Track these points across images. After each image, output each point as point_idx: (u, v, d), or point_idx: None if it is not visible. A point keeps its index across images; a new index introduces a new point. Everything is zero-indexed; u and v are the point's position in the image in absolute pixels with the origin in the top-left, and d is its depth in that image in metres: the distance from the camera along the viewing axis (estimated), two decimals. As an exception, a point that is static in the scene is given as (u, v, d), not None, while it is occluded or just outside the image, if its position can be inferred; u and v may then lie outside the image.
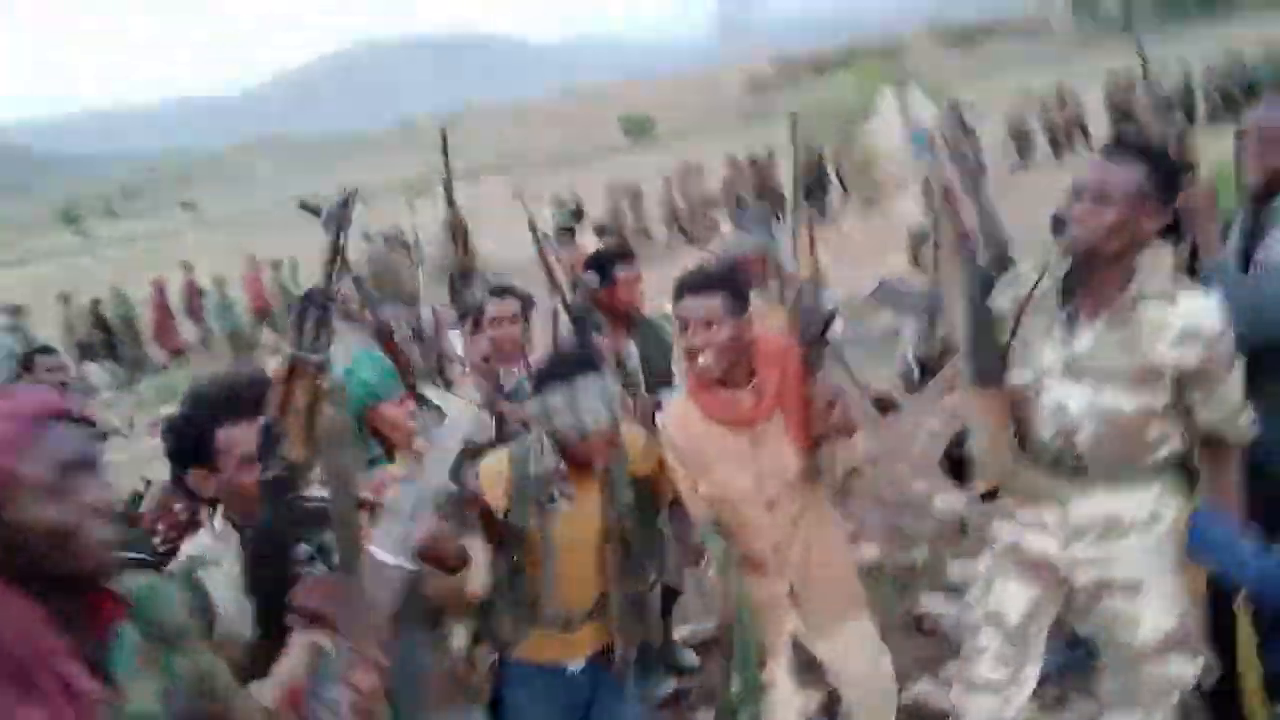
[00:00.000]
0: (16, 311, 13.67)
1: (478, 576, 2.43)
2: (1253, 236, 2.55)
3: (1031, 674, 2.48)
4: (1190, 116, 19.17)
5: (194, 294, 17.99)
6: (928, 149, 2.44)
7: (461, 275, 4.49)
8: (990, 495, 2.67)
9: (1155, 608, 2.29)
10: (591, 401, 2.46)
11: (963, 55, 54.31)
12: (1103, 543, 2.29)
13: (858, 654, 2.73)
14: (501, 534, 2.54)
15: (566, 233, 12.49)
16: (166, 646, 1.39)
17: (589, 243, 7.97)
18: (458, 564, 2.27)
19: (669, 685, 3.90)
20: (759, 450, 2.57)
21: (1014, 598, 2.43)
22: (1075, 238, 2.21)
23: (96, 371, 15.56)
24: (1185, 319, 2.17)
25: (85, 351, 16.38)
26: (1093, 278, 2.23)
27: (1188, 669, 2.31)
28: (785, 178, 17.67)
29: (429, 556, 2.05)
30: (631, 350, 3.68)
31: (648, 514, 2.72)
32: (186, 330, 17.98)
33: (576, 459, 2.54)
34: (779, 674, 2.71)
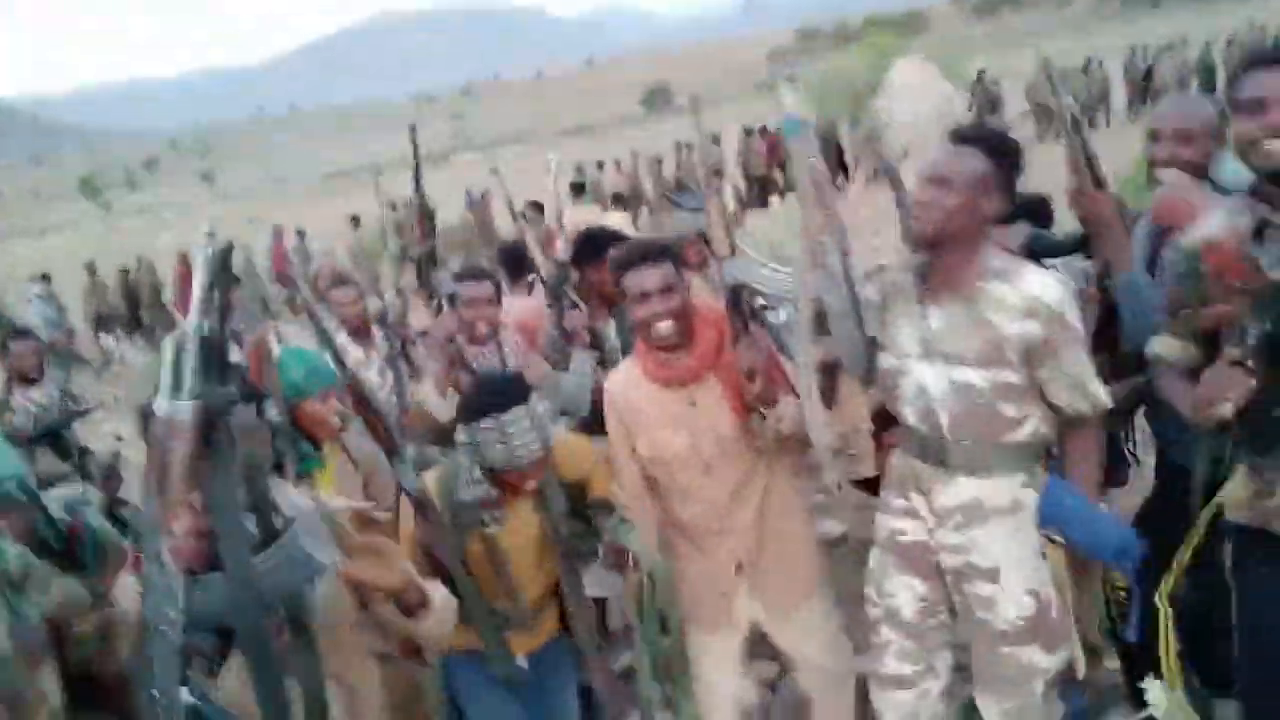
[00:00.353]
0: (47, 280, 13.88)
1: (441, 619, 2.20)
2: (1160, 237, 2.50)
3: (942, 665, 2.45)
4: (1210, 88, 18.92)
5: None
6: (801, 134, 2.44)
7: (428, 259, 4.51)
8: (867, 484, 2.67)
9: (1012, 594, 2.29)
10: (524, 434, 2.43)
11: (985, 26, 53.61)
12: (966, 528, 2.30)
13: (816, 638, 2.71)
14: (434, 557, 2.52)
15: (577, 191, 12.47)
16: (11, 590, 1.61)
17: (590, 212, 7.92)
18: (417, 602, 2.05)
19: (626, 656, 3.92)
20: (695, 411, 2.60)
21: (903, 590, 2.43)
22: (917, 222, 2.25)
23: (111, 344, 15.73)
24: (1026, 295, 2.20)
25: (103, 323, 16.55)
26: (942, 261, 2.27)
27: (1046, 660, 2.30)
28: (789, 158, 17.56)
29: (402, 602, 1.96)
30: (610, 330, 3.65)
31: (583, 513, 2.71)
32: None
33: (508, 483, 2.52)
34: (714, 662, 2.71)
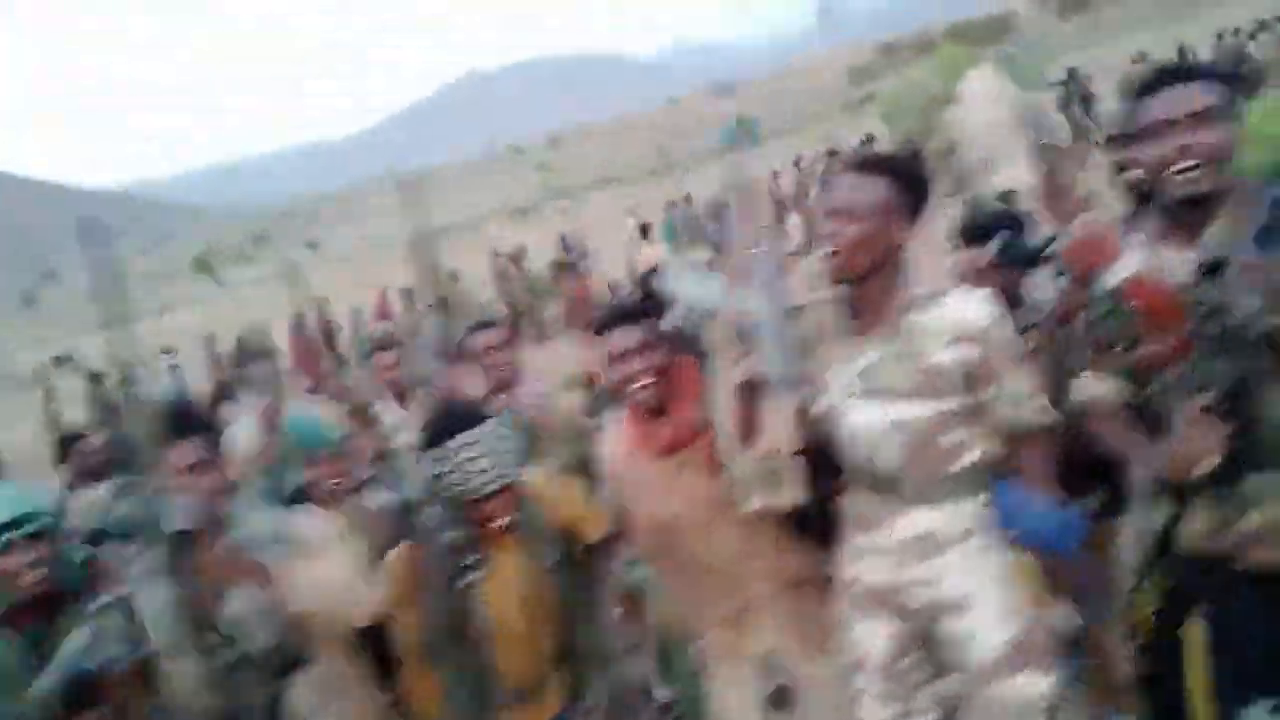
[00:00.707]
0: (173, 353, 14.71)
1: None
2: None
3: (926, 703, 2.33)
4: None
5: (328, 327, 18.87)
6: (740, 140, 2.36)
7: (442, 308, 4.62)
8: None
9: (987, 624, 2.22)
10: (479, 460, 2.35)
11: (1075, 22, 52.14)
12: (926, 562, 2.25)
13: (823, 696, 2.53)
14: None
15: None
16: None
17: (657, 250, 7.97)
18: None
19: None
20: (684, 478, 2.55)
21: (873, 635, 2.34)
22: (830, 259, 2.22)
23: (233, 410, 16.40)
24: (955, 320, 2.18)
25: (224, 391, 17.26)
26: (863, 295, 2.25)
27: (1038, 685, 2.20)
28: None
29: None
30: None
31: (582, 566, 2.61)
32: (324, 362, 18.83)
33: (478, 522, 2.43)
34: (734, 700, 2.61)
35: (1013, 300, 2.67)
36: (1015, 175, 16.84)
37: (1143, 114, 1.98)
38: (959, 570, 2.24)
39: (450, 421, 2.43)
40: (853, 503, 2.39)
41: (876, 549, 2.33)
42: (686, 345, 2.69)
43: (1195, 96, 1.92)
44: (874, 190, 2.18)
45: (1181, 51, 20.73)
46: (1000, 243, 2.75)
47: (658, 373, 2.52)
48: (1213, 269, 1.87)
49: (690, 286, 2.70)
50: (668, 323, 2.97)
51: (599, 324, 2.63)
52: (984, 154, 17.04)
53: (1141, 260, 2.03)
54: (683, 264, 2.92)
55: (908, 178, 2.24)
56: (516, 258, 17.84)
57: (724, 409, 2.43)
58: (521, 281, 17.70)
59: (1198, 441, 1.89)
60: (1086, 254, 2.43)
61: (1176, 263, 1.98)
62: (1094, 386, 2.16)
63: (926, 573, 2.26)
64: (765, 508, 2.43)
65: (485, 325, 3.71)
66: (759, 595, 2.57)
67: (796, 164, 19.83)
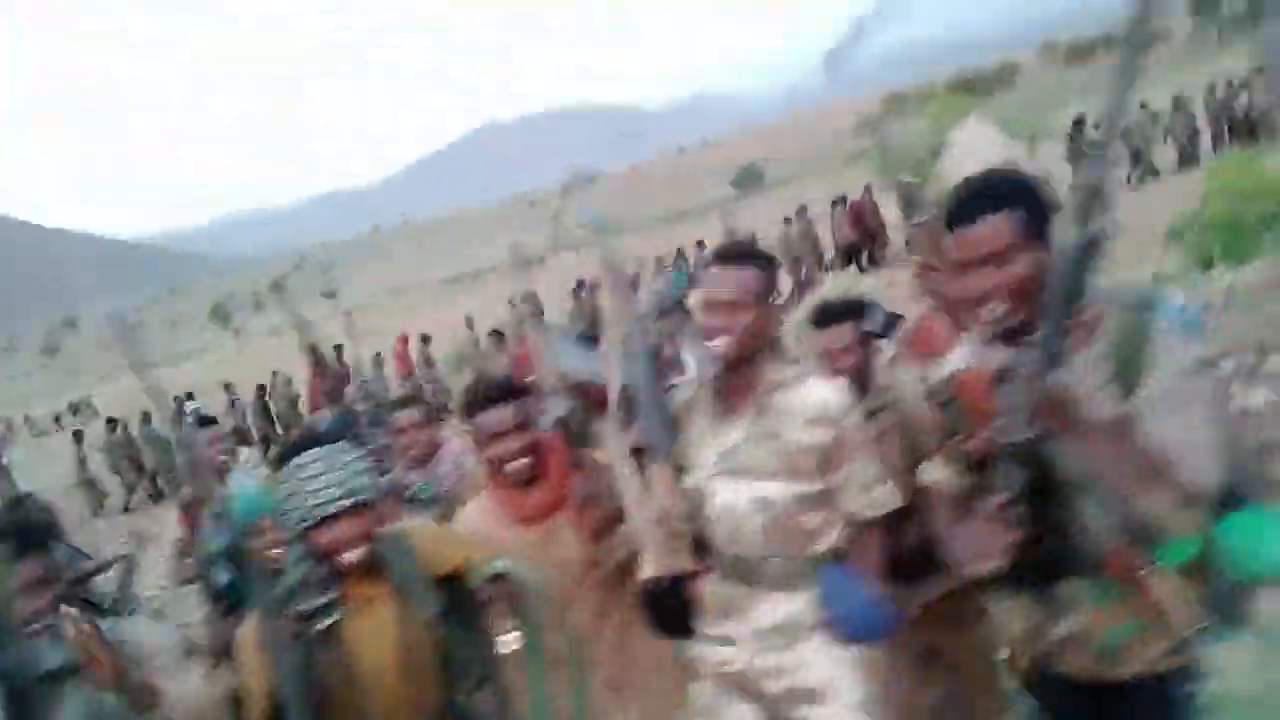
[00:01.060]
0: (192, 398, 15.18)
1: None
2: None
3: None
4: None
5: (345, 374, 19.14)
6: (601, 230, 2.50)
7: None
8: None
9: (845, 712, 2.22)
10: (321, 479, 2.13)
11: (1080, 71, 52.74)
12: (784, 650, 2.26)
13: None
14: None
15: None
16: None
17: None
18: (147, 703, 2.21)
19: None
20: (551, 545, 2.61)
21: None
22: (721, 348, 2.23)
23: (255, 456, 16.72)
24: (813, 403, 2.22)
25: (241, 438, 17.63)
26: (734, 377, 2.29)
27: None
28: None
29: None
30: None
31: (466, 615, 2.40)
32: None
33: (328, 555, 2.18)
34: None
35: (864, 382, 2.69)
36: None
37: (948, 248, 1.92)
38: (817, 658, 2.25)
39: (300, 444, 2.22)
40: (715, 587, 2.37)
41: (736, 635, 2.33)
42: (563, 426, 2.74)
43: (994, 234, 1.81)
44: (755, 279, 2.26)
45: (1176, 102, 21.11)
46: (857, 326, 2.79)
47: (529, 450, 2.59)
48: (1001, 377, 1.82)
49: (572, 360, 2.80)
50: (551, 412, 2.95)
51: (469, 404, 2.67)
52: None
53: (969, 355, 2.00)
54: (566, 340, 2.89)
55: (770, 263, 2.34)
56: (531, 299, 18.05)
57: (613, 477, 2.46)
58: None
59: (983, 543, 1.84)
60: (919, 343, 2.52)
61: (1003, 359, 1.88)
62: (934, 472, 2.12)
63: (785, 660, 2.26)
64: (663, 570, 2.40)
65: (405, 403, 3.84)
66: (609, 664, 2.63)
67: (800, 214, 20.20)
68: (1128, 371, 1.77)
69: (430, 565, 2.31)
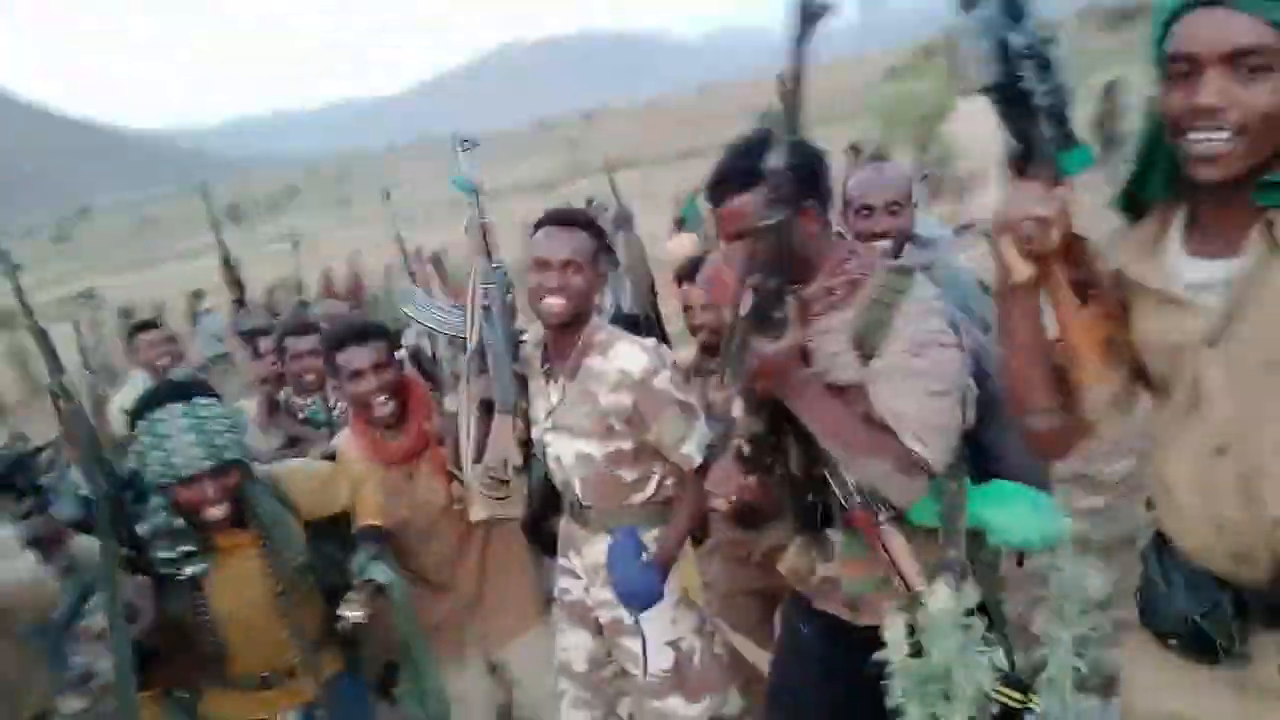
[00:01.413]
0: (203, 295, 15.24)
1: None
2: None
3: (625, 711, 2.56)
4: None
5: (358, 282, 19.26)
6: (469, 195, 2.58)
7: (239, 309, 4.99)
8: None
9: (651, 648, 2.40)
10: (181, 436, 2.11)
11: (1119, 36, 51.81)
12: (608, 586, 2.38)
13: (533, 660, 2.81)
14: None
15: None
16: None
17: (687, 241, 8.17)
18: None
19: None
20: (413, 484, 2.72)
21: (575, 646, 2.56)
22: (555, 308, 2.32)
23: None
24: (615, 368, 2.32)
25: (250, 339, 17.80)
26: (562, 336, 2.41)
27: (688, 709, 2.41)
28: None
29: None
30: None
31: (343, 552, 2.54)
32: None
33: (188, 510, 2.19)
34: (468, 681, 2.82)
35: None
36: (986, 201, 16.93)
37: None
38: None
39: (161, 395, 2.20)
40: (563, 524, 2.58)
41: (574, 569, 2.53)
42: (422, 365, 2.88)
43: (745, 212, 1.85)
44: (586, 241, 2.35)
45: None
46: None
47: (391, 390, 2.66)
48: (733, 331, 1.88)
49: (430, 314, 2.88)
50: (407, 342, 3.13)
51: (330, 341, 2.73)
52: (978, 168, 17.18)
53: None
54: (425, 295, 2.93)
55: (599, 230, 2.44)
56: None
57: (461, 424, 2.58)
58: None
59: (718, 482, 1.92)
60: (712, 291, 2.64)
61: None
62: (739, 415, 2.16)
63: (609, 595, 2.38)
64: (491, 517, 2.63)
65: (301, 330, 3.82)
66: (465, 591, 2.80)
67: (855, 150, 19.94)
68: (870, 338, 1.80)
69: (307, 511, 2.38)
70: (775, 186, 1.59)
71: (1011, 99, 1.37)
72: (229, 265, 4.81)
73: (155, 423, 2.12)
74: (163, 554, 2.15)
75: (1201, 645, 1.40)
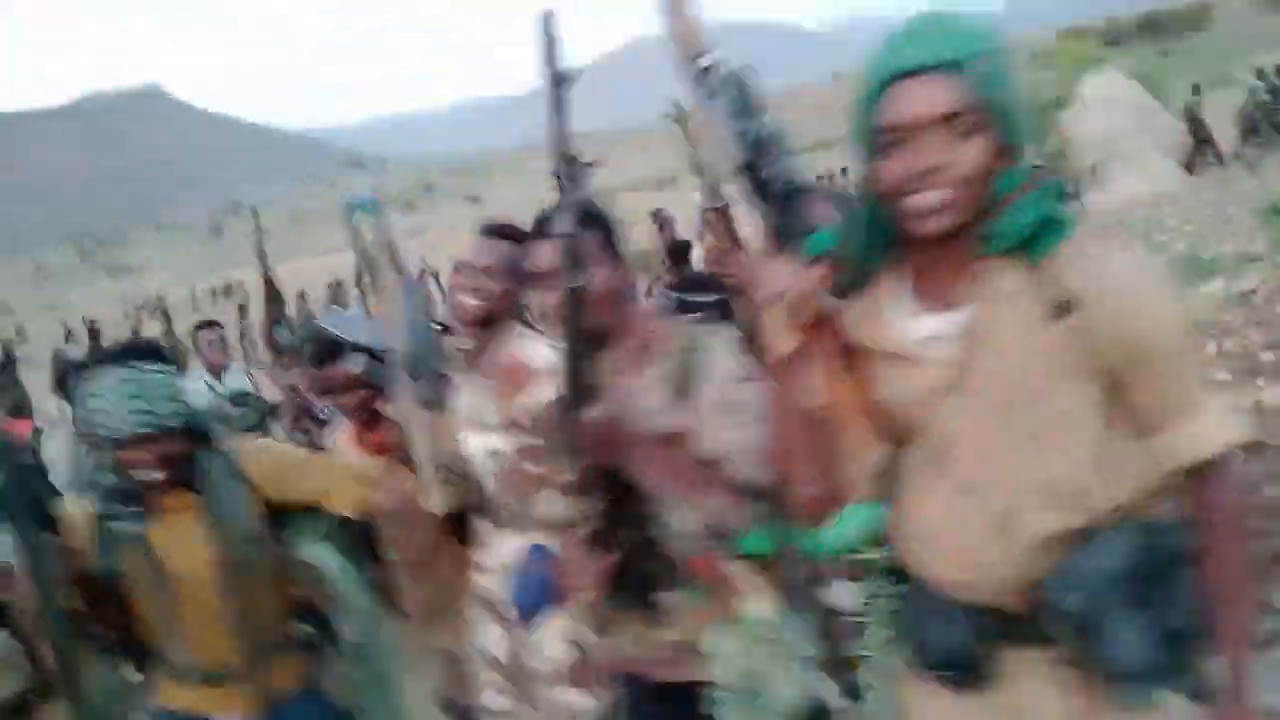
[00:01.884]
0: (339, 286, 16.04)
1: None
2: None
3: (545, 699, 2.54)
4: None
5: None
6: (371, 211, 2.58)
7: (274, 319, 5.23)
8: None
9: (547, 639, 2.45)
10: (111, 398, 2.10)
11: (1278, 17, 48.43)
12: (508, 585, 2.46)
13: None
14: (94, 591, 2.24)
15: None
16: None
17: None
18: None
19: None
20: (391, 475, 2.73)
21: (494, 639, 2.60)
22: (466, 306, 2.49)
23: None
24: (528, 363, 2.42)
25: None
26: (481, 336, 2.55)
27: (583, 702, 2.42)
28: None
29: None
30: None
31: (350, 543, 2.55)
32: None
33: (125, 469, 2.20)
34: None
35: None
36: (1129, 184, 15.99)
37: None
38: None
39: (111, 355, 2.21)
40: (477, 520, 2.64)
41: (488, 565, 2.60)
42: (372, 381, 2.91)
43: (550, 258, 1.99)
44: (508, 252, 2.49)
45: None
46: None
47: (364, 404, 2.86)
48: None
49: (354, 330, 2.96)
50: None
51: (313, 357, 2.95)
52: (1097, 160, 16.30)
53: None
54: (346, 312, 3.06)
55: (523, 241, 2.42)
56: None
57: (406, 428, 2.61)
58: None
59: (578, 570, 1.99)
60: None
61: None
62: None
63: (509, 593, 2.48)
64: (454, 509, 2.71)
65: (206, 325, 4.20)
66: (452, 578, 2.78)
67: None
68: (687, 384, 1.92)
69: (267, 488, 2.33)
70: (568, 251, 1.71)
71: (755, 183, 1.54)
72: (270, 282, 5.24)
73: (93, 383, 2.13)
74: (109, 510, 2.23)
75: (968, 675, 1.46)
